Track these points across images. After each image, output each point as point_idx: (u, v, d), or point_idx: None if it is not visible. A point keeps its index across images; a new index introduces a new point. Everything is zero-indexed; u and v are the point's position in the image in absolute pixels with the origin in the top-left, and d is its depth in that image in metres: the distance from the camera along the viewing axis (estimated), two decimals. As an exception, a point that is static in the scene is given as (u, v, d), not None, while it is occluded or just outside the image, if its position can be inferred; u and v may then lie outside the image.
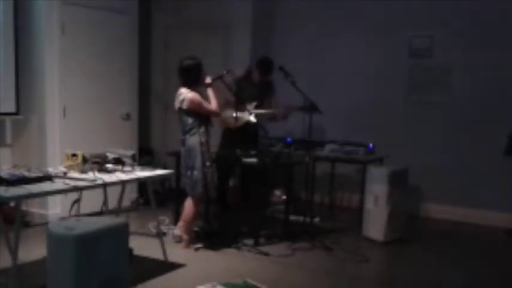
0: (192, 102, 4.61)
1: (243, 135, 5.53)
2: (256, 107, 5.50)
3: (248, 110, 5.26)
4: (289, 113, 5.65)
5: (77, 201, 3.85)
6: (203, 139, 4.68)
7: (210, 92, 4.76)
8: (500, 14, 5.86)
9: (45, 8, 5.38)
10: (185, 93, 4.64)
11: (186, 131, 4.70)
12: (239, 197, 5.93)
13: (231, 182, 6.31)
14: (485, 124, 5.96)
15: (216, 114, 4.79)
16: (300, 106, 5.27)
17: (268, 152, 5.42)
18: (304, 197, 5.72)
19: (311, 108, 5.07)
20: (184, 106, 4.62)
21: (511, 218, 5.80)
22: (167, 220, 5.57)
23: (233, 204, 6.01)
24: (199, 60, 4.73)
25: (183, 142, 4.73)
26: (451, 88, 6.13)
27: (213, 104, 4.71)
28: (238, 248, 4.82)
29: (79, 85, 5.76)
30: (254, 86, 5.64)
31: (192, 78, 4.69)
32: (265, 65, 5.60)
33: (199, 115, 4.67)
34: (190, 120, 4.66)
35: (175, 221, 5.28)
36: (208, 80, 4.78)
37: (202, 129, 4.69)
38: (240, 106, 5.23)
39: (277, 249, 4.84)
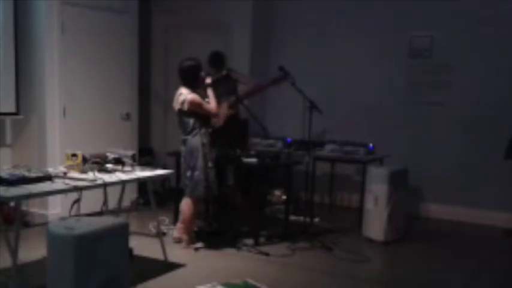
0: (192, 103, 4.63)
1: (225, 134, 5.52)
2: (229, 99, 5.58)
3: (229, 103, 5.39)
4: (267, 85, 5.61)
5: (77, 201, 3.85)
6: (205, 140, 4.71)
7: (209, 92, 4.79)
8: (500, 14, 5.85)
9: (45, 8, 5.38)
10: (185, 95, 4.66)
11: (187, 132, 4.72)
12: (240, 197, 5.93)
13: (229, 182, 6.31)
14: (485, 124, 5.96)
15: (214, 114, 4.82)
16: (274, 78, 5.28)
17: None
18: (304, 197, 5.72)
19: (311, 107, 5.07)
20: (185, 108, 4.64)
21: (511, 218, 5.80)
22: (167, 220, 5.57)
23: (233, 204, 6.02)
24: (199, 61, 4.79)
25: (184, 142, 4.75)
26: (451, 88, 6.12)
27: (212, 104, 4.74)
28: (238, 248, 4.82)
29: (79, 85, 5.76)
30: (217, 85, 5.59)
31: (192, 78, 4.74)
32: (216, 58, 5.59)
33: (200, 116, 4.70)
34: (191, 122, 4.68)
35: (175, 221, 5.27)
36: (208, 80, 4.80)
37: (203, 130, 4.72)
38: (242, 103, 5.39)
39: (277, 249, 4.84)
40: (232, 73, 5.66)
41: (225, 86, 5.62)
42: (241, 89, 5.71)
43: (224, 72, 5.63)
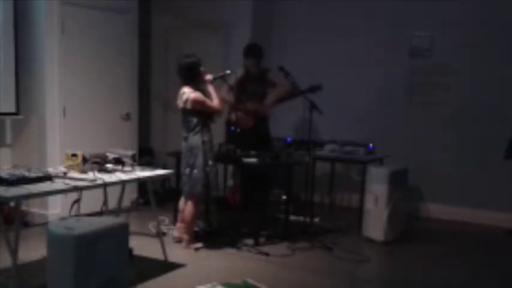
0: (195, 102, 4.63)
1: (257, 135, 5.57)
2: (261, 100, 5.65)
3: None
4: (300, 92, 5.44)
5: (77, 201, 3.85)
6: (206, 138, 4.71)
7: (211, 89, 4.78)
8: (500, 14, 5.85)
9: (45, 8, 5.38)
10: (188, 93, 4.66)
11: (189, 130, 4.72)
12: (239, 196, 5.93)
13: (230, 182, 6.32)
14: (485, 124, 5.96)
15: (218, 111, 4.81)
16: (311, 86, 5.32)
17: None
18: (304, 197, 5.72)
19: (311, 107, 5.07)
20: (188, 106, 4.64)
21: (511, 218, 5.80)
22: (167, 220, 5.57)
23: (234, 203, 6.02)
24: (197, 58, 4.76)
25: (186, 139, 4.76)
26: (451, 88, 6.12)
27: (215, 101, 4.74)
28: (238, 248, 4.82)
29: (79, 85, 5.75)
30: (254, 82, 5.67)
31: (192, 75, 4.72)
32: (255, 49, 5.63)
33: (203, 114, 4.71)
34: (194, 120, 4.69)
35: (175, 221, 5.27)
36: (209, 76, 4.79)
37: (205, 128, 4.73)
38: (241, 106, 5.37)
39: (277, 249, 4.84)
40: (270, 74, 5.66)
41: (260, 86, 5.64)
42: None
43: (263, 67, 5.69)
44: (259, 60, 5.63)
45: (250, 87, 5.63)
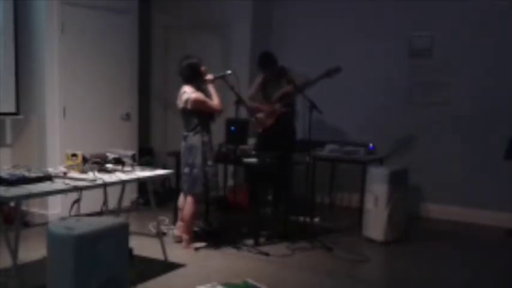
0: (196, 102, 4.65)
1: (278, 135, 5.58)
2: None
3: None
4: (317, 78, 5.50)
5: (77, 201, 3.85)
6: (206, 139, 4.73)
7: (211, 89, 4.79)
8: (500, 14, 5.85)
9: (45, 8, 5.38)
10: (189, 93, 4.67)
11: (190, 129, 4.73)
12: (246, 197, 5.94)
13: (231, 182, 6.32)
14: (485, 124, 5.96)
15: (219, 111, 4.82)
16: (328, 70, 5.31)
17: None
18: (304, 197, 5.72)
19: (311, 107, 5.06)
20: (189, 106, 4.65)
21: (511, 218, 5.80)
22: (167, 220, 5.57)
23: (236, 204, 6.02)
24: (197, 59, 4.79)
25: (185, 138, 4.76)
26: (451, 88, 6.12)
27: (215, 101, 4.75)
28: (238, 248, 4.82)
29: (79, 85, 5.76)
30: (271, 84, 5.73)
31: (194, 75, 4.74)
32: (265, 60, 5.66)
33: (204, 114, 4.72)
34: (195, 120, 4.71)
35: (175, 221, 5.27)
36: (209, 76, 4.80)
37: (206, 128, 4.74)
38: (244, 104, 5.35)
39: (277, 249, 4.84)
40: (287, 75, 5.63)
41: (277, 87, 5.66)
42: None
43: (280, 67, 5.68)
44: (272, 68, 5.67)
45: (269, 89, 5.72)
